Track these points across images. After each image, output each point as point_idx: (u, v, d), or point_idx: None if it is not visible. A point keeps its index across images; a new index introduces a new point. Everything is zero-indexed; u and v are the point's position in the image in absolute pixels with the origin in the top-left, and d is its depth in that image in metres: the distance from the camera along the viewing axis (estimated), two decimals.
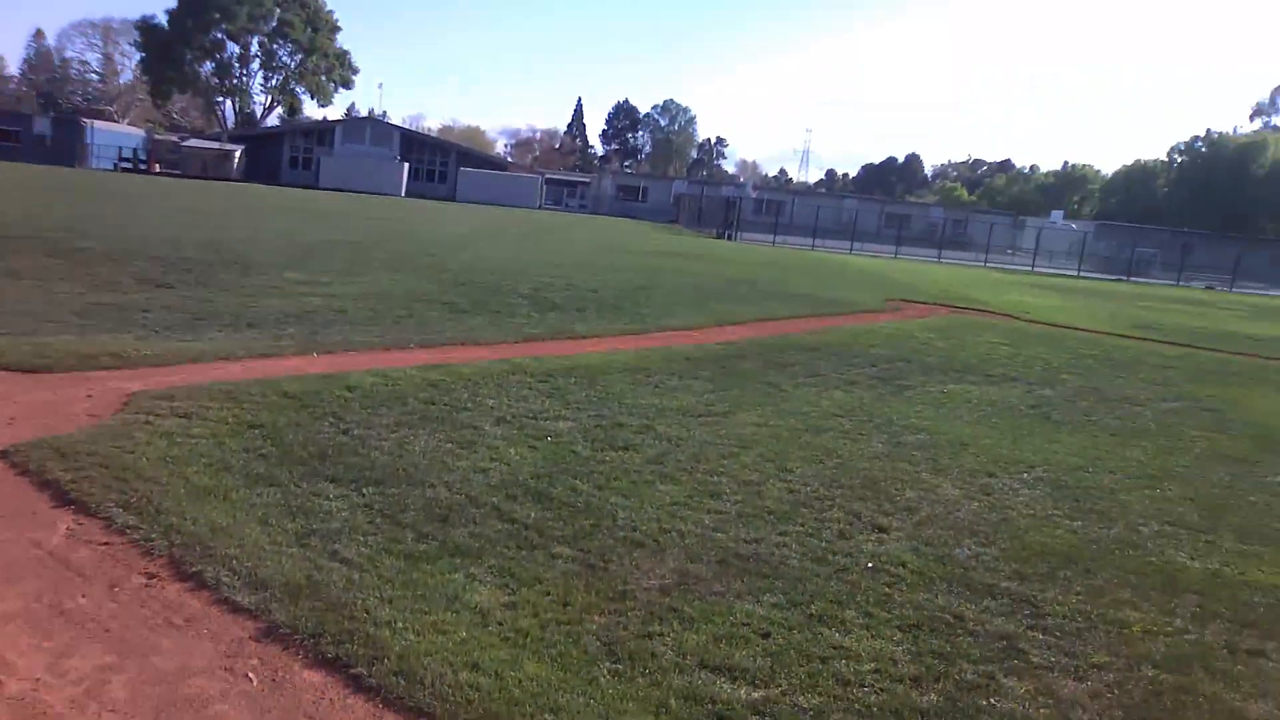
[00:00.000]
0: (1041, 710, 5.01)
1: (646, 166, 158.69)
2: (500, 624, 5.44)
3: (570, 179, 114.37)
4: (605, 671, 5.04)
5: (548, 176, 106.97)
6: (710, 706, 4.78)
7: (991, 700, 5.08)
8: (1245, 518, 8.83)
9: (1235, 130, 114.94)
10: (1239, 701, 5.31)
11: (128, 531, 6.10)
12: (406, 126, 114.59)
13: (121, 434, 7.87)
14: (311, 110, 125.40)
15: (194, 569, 5.70)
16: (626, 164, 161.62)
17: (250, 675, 4.76)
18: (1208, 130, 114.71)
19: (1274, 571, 7.40)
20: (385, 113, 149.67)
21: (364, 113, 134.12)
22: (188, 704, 4.50)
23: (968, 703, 5.03)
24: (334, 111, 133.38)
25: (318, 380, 10.43)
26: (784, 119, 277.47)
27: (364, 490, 7.21)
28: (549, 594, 5.86)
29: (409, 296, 18.04)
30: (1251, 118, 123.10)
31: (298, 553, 6.01)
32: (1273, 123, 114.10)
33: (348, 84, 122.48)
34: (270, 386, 9.86)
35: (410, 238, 33.98)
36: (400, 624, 5.28)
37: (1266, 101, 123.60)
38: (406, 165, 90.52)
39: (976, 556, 7.11)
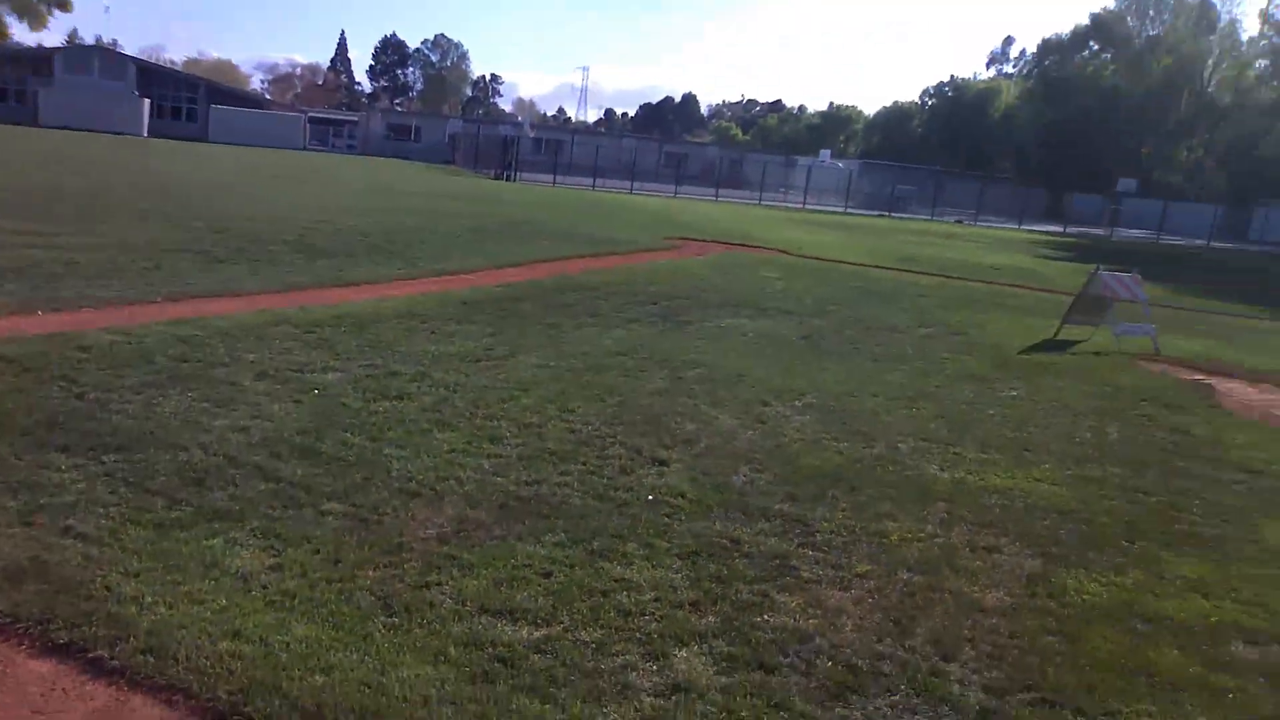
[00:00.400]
0: (811, 621, 5.34)
1: (418, 105, 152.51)
2: (265, 588, 5.11)
3: (337, 118, 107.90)
4: (380, 626, 4.87)
5: (311, 115, 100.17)
6: (491, 650, 4.73)
7: (766, 617, 5.35)
8: (985, 430, 9.80)
9: (975, 76, 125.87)
10: (978, 593, 5.90)
11: None
12: (144, 58, 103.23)
13: None
14: (23, 36, 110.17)
15: None
16: (397, 102, 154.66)
17: None
18: (952, 76, 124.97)
19: (1007, 476, 8.27)
20: (116, 40, 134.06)
21: (90, 41, 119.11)
22: None
23: (743, 621, 5.27)
24: (51, 39, 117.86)
25: (43, 341, 9.30)
26: (561, 57, 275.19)
27: (103, 458, 6.53)
28: (318, 552, 5.57)
29: (154, 246, 16.40)
30: (988, 65, 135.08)
31: (20, 533, 5.35)
32: (1005, 70, 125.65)
33: (63, 6, 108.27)
34: None
35: (155, 182, 30.91)
36: (149, 598, 4.84)
37: (999, 50, 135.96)
38: (147, 102, 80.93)
39: (752, 482, 7.46)
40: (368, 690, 4.30)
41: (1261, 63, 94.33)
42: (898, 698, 4.68)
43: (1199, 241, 68.07)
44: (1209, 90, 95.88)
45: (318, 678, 4.36)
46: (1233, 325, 21.99)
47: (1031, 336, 16.43)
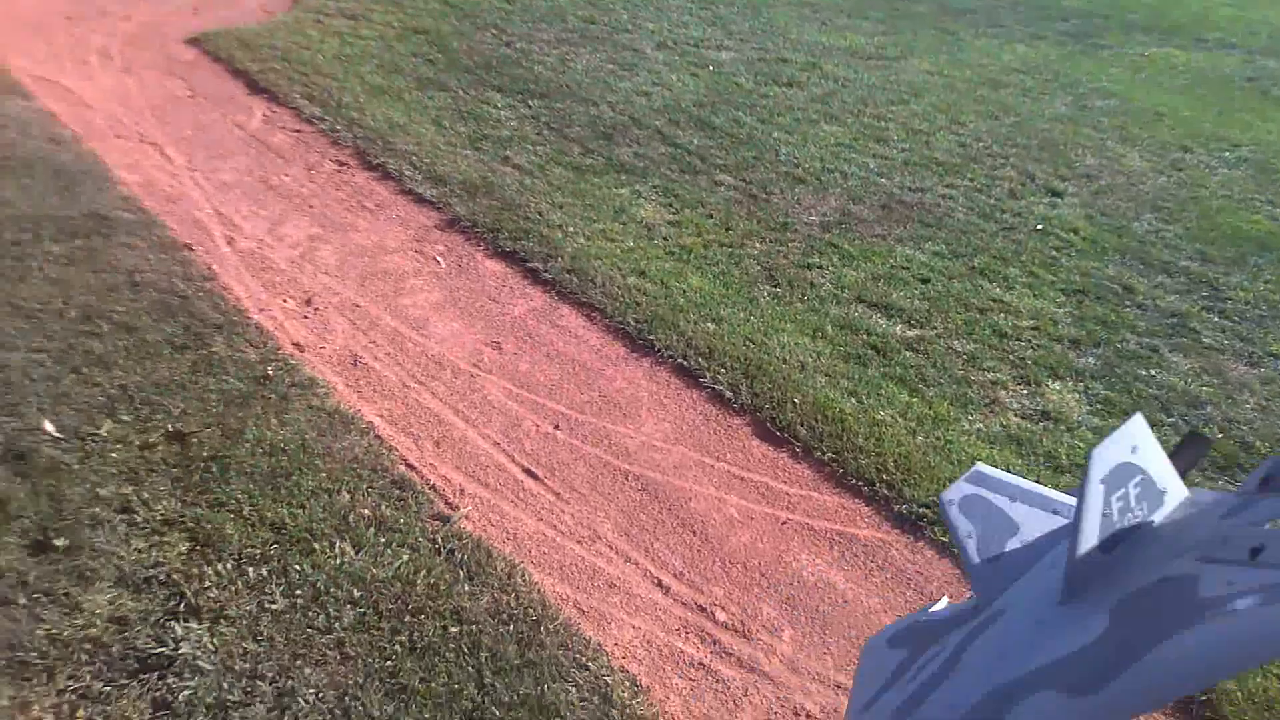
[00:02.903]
0: (1204, 389, 5.00)
1: None
2: (665, 239, 5.62)
3: None
4: (765, 294, 5.23)
5: None
6: (865, 337, 4.96)
7: (1152, 372, 5.08)
8: None
9: None
10: None
11: (315, 122, 6.38)
12: None
13: (295, 30, 7.96)
14: None
15: (377, 160, 5.99)
16: None
17: (438, 259, 5.16)
18: None
19: None
20: None
21: None
22: (386, 276, 4.95)
23: (1126, 370, 5.05)
24: None
25: None
26: None
27: (530, 102, 7.23)
28: (711, 217, 5.96)
29: None
30: None
31: (472, 155, 6.20)
32: None
33: None
34: None
35: None
36: (571, 229, 5.52)
37: None
38: None
39: (1156, 232, 6.78)
40: (751, 345, 4.74)
41: None
42: None
43: None
44: None
45: (709, 325, 4.85)
46: None
47: None
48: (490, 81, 7.51)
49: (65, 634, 2.94)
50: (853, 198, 6.52)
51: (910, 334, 5.05)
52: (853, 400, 4.42)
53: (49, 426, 3.74)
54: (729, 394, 4.40)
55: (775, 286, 5.32)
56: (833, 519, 3.80)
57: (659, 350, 4.66)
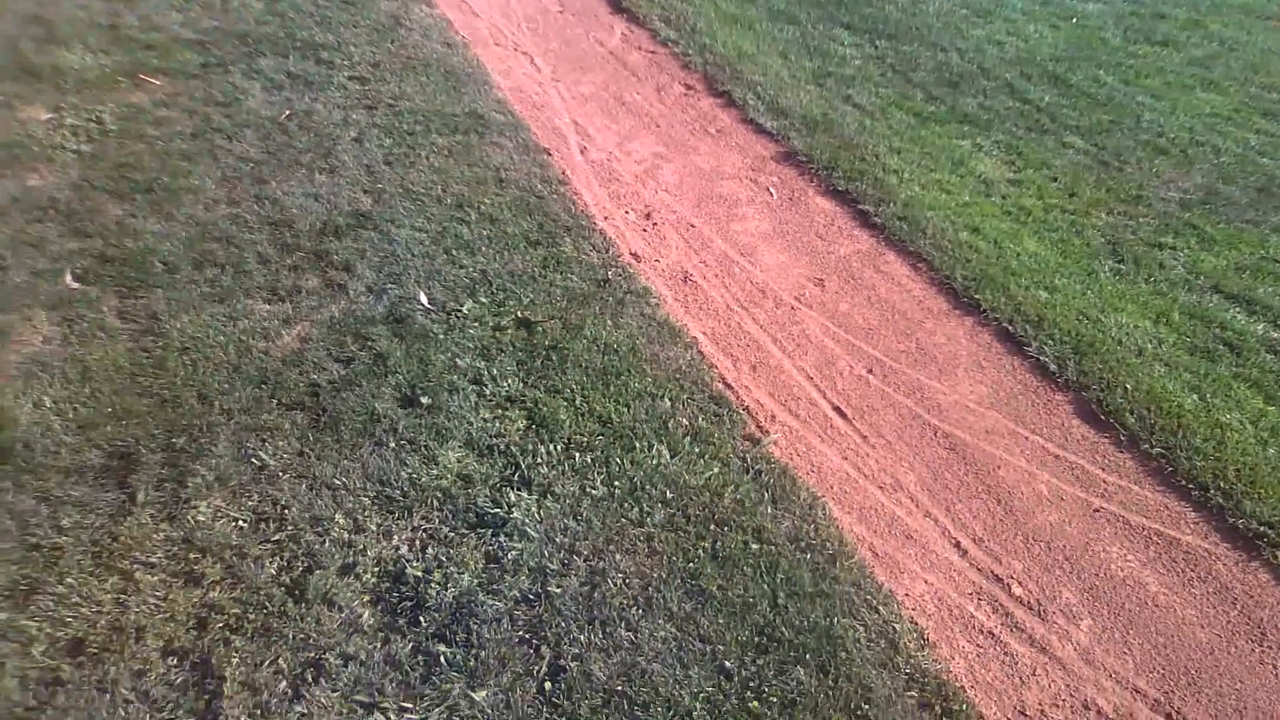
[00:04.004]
0: None
1: None
2: (1004, 198, 5.39)
3: None
4: (1106, 269, 4.90)
5: None
6: (1219, 331, 4.53)
7: None
8: None
9: None
10: None
11: (669, 45, 6.66)
12: None
13: None
14: None
15: (724, 88, 6.17)
16: None
17: (771, 190, 5.29)
18: None
19: None
20: None
21: None
22: (720, 200, 5.16)
23: None
24: None
25: None
26: None
27: (876, 43, 7.09)
28: (1055, 180, 5.62)
29: None
30: None
31: (814, 90, 6.22)
32: None
33: None
34: None
35: None
36: (907, 175, 5.43)
37: None
38: None
39: None
40: (1085, 321, 4.48)
41: None
42: None
43: None
44: None
45: (1042, 293, 4.64)
46: None
47: None
48: (839, 18, 7.43)
49: (422, 480, 3.44)
50: (1223, 176, 5.86)
51: (1275, 335, 4.55)
52: (1194, 396, 4.09)
53: (423, 298, 4.31)
54: (1054, 367, 4.22)
55: (1119, 262, 4.96)
56: (1153, 517, 3.59)
57: (984, 311, 4.53)
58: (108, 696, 2.75)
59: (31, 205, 4.59)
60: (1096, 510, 3.60)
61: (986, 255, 4.86)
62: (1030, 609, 3.25)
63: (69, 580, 3.04)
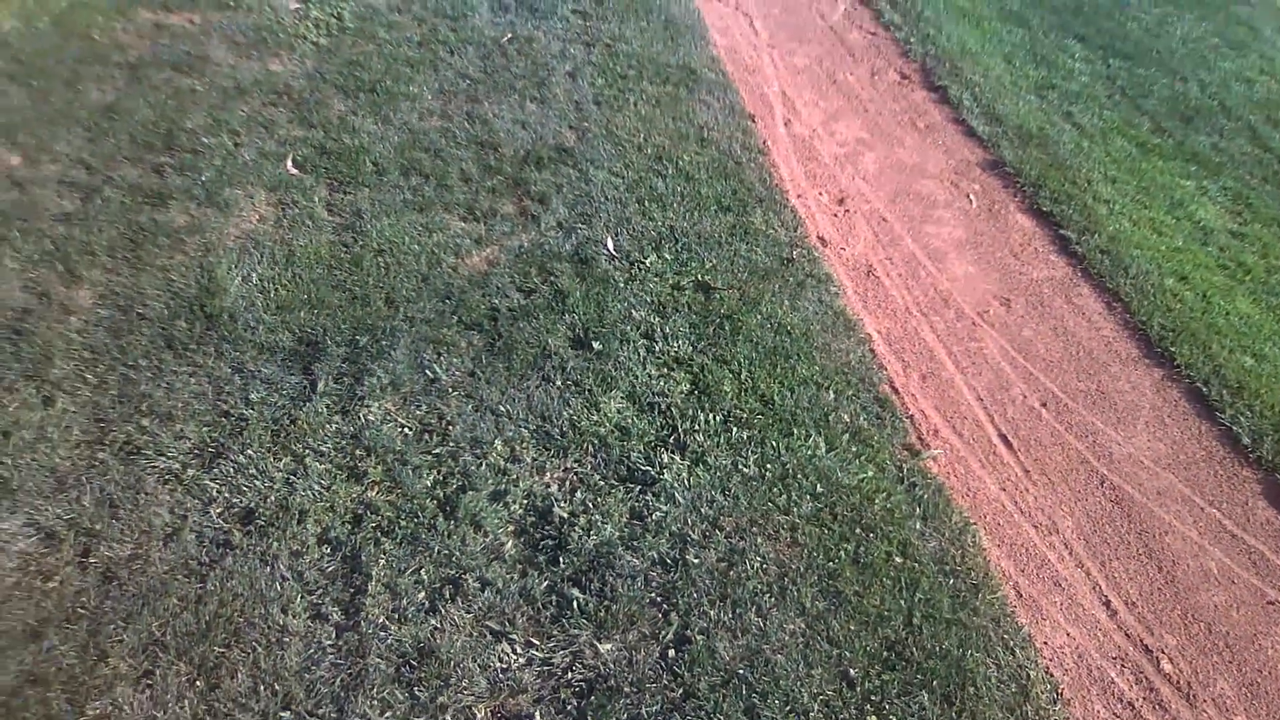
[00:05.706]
0: None
1: None
2: (1221, 250, 5.02)
3: None
4: None
5: None
6: None
7: None
8: None
9: None
10: None
11: (891, 28, 6.45)
12: None
13: None
14: None
15: (940, 82, 5.94)
16: None
17: (971, 197, 5.08)
18: None
19: None
20: None
21: None
22: (917, 199, 5.00)
23: None
24: None
25: None
26: None
27: (1110, 60, 6.66)
28: None
29: None
30: None
31: (1034, 100, 5.92)
32: None
33: None
34: None
35: None
36: (1118, 207, 5.13)
37: None
38: None
39: None
40: None
41: None
42: None
43: None
44: None
45: (1247, 359, 4.32)
46: None
47: None
48: (1074, 28, 7.01)
49: (582, 423, 3.52)
50: None
51: None
52: None
53: (609, 243, 4.37)
54: (1247, 440, 3.94)
55: None
56: None
57: (1177, 365, 4.26)
58: (268, 569, 2.96)
59: (270, 89, 4.87)
60: (1271, 602, 3.36)
61: (1191, 307, 4.55)
62: (1179, 690, 3.08)
63: (249, 452, 3.27)
